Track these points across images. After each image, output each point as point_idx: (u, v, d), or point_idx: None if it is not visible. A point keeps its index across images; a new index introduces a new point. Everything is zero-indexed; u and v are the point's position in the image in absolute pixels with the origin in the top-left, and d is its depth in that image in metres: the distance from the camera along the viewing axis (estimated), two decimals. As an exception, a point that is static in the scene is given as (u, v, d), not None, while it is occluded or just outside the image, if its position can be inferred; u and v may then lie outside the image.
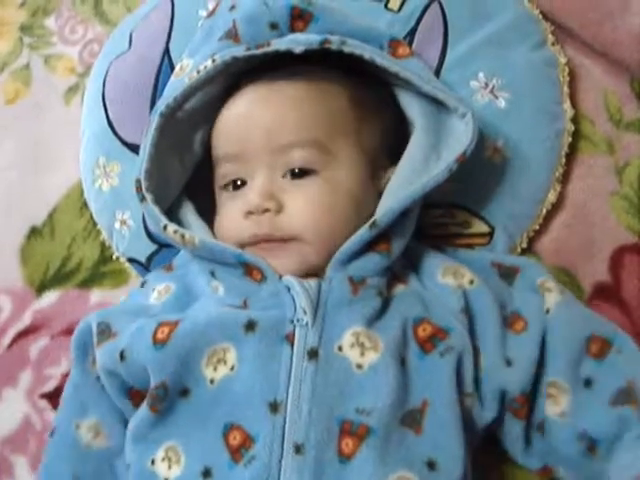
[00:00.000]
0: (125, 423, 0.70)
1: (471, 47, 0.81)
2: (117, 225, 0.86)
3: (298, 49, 0.69)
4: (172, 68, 0.85)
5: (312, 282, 0.66)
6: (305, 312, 0.64)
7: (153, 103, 0.85)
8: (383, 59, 0.70)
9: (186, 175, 0.78)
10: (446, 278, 0.70)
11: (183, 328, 0.65)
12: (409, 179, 0.69)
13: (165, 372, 0.64)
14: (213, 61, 0.71)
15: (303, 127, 0.69)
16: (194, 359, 0.64)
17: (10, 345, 0.91)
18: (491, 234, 0.79)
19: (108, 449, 0.70)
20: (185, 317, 0.66)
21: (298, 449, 0.59)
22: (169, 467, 0.63)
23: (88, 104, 0.92)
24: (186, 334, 0.64)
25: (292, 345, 0.63)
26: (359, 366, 0.62)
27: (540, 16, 0.85)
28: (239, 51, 0.71)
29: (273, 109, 0.70)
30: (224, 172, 0.73)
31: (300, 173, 0.68)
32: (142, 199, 0.70)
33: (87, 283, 0.92)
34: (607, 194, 0.81)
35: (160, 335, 0.65)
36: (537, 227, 0.80)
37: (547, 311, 0.68)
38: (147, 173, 0.71)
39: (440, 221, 0.79)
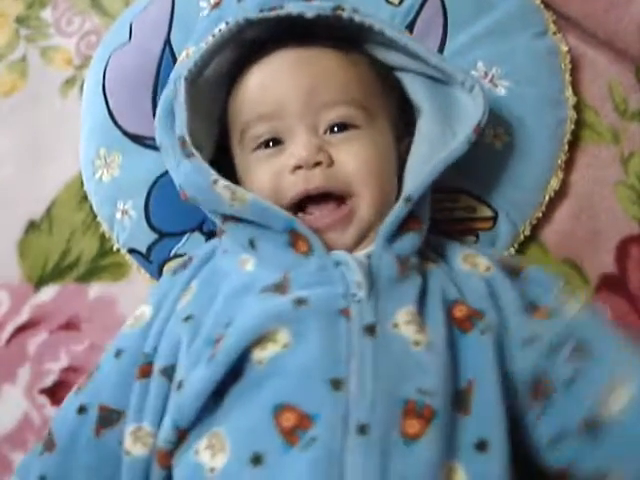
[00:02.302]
0: None
1: (471, 37, 0.82)
2: (118, 215, 0.85)
3: (310, 13, 0.69)
4: (173, 59, 0.85)
5: (362, 258, 0.64)
6: (360, 287, 0.61)
7: (155, 94, 0.85)
8: (392, 30, 0.71)
9: (211, 144, 0.75)
10: (465, 265, 0.70)
11: (232, 332, 0.61)
12: (429, 155, 0.70)
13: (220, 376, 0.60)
14: (226, 23, 0.71)
15: (346, 87, 0.69)
16: (244, 352, 0.59)
17: (8, 340, 0.90)
18: (494, 219, 0.78)
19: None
20: (230, 322, 0.62)
21: (362, 429, 0.55)
22: (213, 455, 0.58)
23: (88, 95, 0.91)
24: (235, 341, 0.60)
25: (348, 321, 0.60)
26: (417, 343, 0.59)
27: (542, 5, 0.85)
28: (252, 14, 0.71)
29: (312, 69, 0.69)
30: (257, 133, 0.70)
31: (341, 128, 0.68)
32: (189, 155, 0.67)
33: (86, 277, 0.91)
34: (613, 184, 0.81)
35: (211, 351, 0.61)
36: (540, 215, 0.80)
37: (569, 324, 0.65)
38: (190, 130, 0.68)
39: (445, 206, 0.79)
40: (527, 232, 0.80)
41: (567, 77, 0.81)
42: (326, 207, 0.67)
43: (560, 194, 0.80)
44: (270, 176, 0.68)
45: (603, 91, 0.84)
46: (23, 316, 0.91)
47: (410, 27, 0.83)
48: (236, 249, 0.69)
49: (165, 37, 0.87)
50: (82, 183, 0.91)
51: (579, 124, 0.81)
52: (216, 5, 0.82)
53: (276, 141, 0.69)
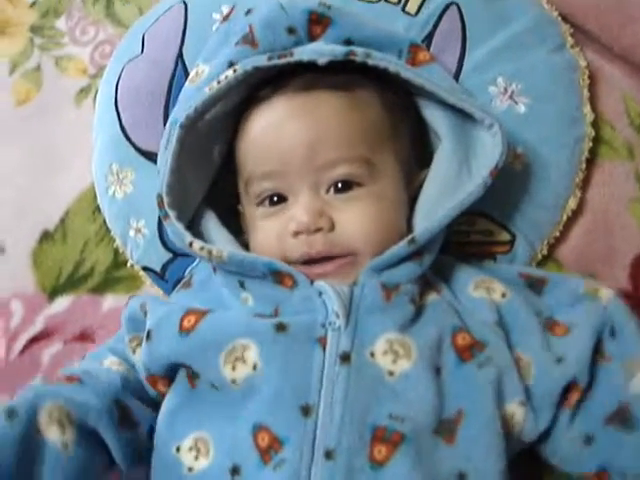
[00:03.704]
0: None
1: (489, 51, 0.80)
2: (132, 233, 0.86)
3: (322, 60, 0.67)
4: (186, 73, 0.84)
5: (344, 287, 0.65)
6: (338, 316, 0.63)
7: (167, 109, 0.85)
8: (407, 71, 0.69)
9: (206, 185, 0.77)
10: (478, 291, 0.69)
11: (210, 319, 0.64)
12: (443, 194, 0.69)
13: (189, 361, 0.64)
14: (234, 71, 0.70)
15: (347, 141, 0.68)
16: (213, 353, 0.63)
17: (22, 351, 0.91)
18: (512, 242, 0.78)
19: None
20: (214, 310, 0.66)
21: (329, 454, 0.57)
22: (196, 458, 0.62)
23: (100, 108, 0.91)
24: (211, 325, 0.64)
25: (324, 348, 0.62)
26: (391, 373, 0.61)
27: (559, 18, 0.84)
28: (261, 60, 0.69)
29: (314, 123, 0.68)
30: (259, 190, 0.71)
31: (344, 187, 0.68)
32: (165, 215, 0.69)
33: (100, 288, 0.91)
34: (627, 200, 0.80)
35: (186, 324, 0.64)
36: (557, 234, 0.79)
37: (605, 308, 0.67)
38: (169, 188, 0.70)
39: (461, 229, 0.78)
40: (544, 252, 0.79)
41: (585, 93, 0.81)
42: (330, 263, 0.67)
43: (576, 211, 0.79)
44: (274, 238, 0.69)
45: (619, 106, 0.83)
46: (37, 326, 0.91)
47: (428, 39, 0.82)
48: (234, 289, 0.70)
49: (178, 51, 0.86)
50: (96, 194, 0.91)
51: (595, 140, 0.81)
52: (225, 18, 0.81)
53: (280, 197, 0.70)
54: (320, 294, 0.65)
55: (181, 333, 0.64)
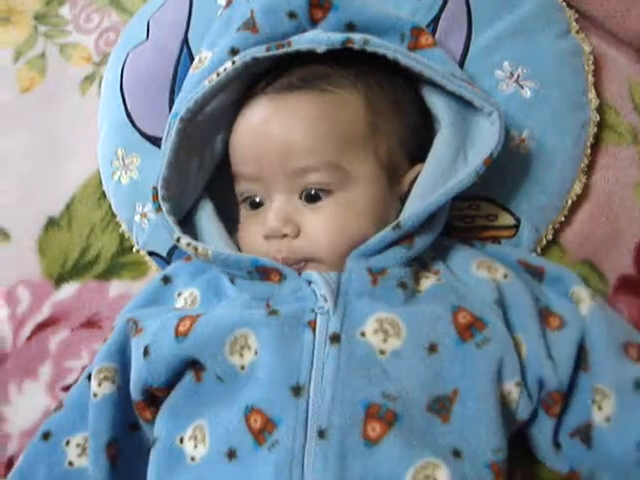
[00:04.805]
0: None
1: (496, 35, 0.80)
2: (137, 218, 0.86)
3: (320, 49, 0.68)
4: (191, 58, 0.84)
5: (332, 273, 0.67)
6: (326, 300, 0.64)
7: (172, 94, 0.85)
8: (406, 57, 0.69)
9: (206, 176, 0.77)
10: (480, 271, 0.70)
11: (204, 321, 0.65)
12: (436, 181, 0.69)
13: (193, 355, 0.64)
14: (233, 62, 0.70)
15: (316, 150, 0.68)
16: (217, 349, 0.63)
17: (29, 337, 0.91)
18: (517, 227, 0.78)
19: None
20: (207, 311, 0.67)
21: (322, 434, 0.58)
22: (195, 446, 0.63)
23: (105, 94, 0.92)
24: (206, 326, 0.64)
25: (314, 331, 0.63)
26: (382, 352, 0.62)
27: (564, 3, 0.83)
28: (259, 51, 0.70)
29: (285, 129, 0.68)
30: (241, 190, 0.73)
31: (316, 195, 0.68)
32: (157, 208, 0.71)
33: (106, 275, 0.92)
34: (632, 185, 0.80)
35: (182, 328, 0.65)
36: (562, 219, 0.79)
37: (583, 321, 0.67)
38: (165, 181, 0.71)
39: (466, 213, 0.78)
40: (549, 237, 0.79)
41: (590, 78, 0.81)
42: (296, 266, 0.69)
43: (580, 196, 0.79)
44: (252, 237, 0.71)
45: (623, 91, 0.83)
46: (44, 313, 0.92)
47: (434, 23, 0.81)
48: (227, 280, 0.72)
49: (183, 36, 0.86)
50: (101, 180, 0.91)
51: (600, 125, 0.81)
52: (228, 4, 0.81)
53: (259, 200, 0.71)
54: (309, 283, 0.66)
55: (177, 338, 0.64)
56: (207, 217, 0.75)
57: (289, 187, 0.69)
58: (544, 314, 0.68)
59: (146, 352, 0.66)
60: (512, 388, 0.63)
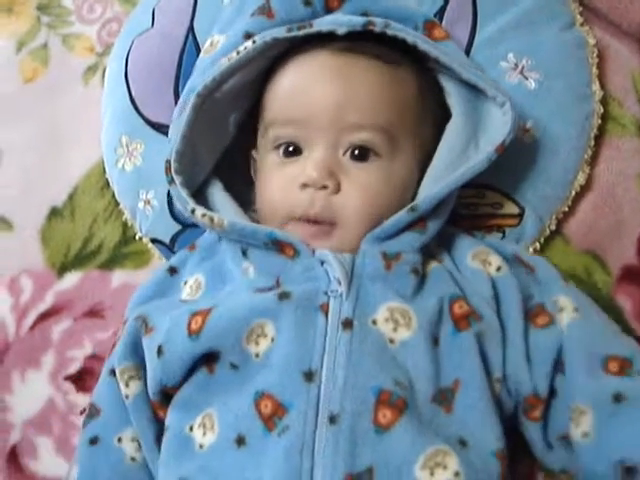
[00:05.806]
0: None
1: (501, 27, 0.81)
2: (140, 205, 0.86)
3: (341, 30, 0.68)
4: (197, 46, 0.85)
5: (346, 255, 0.66)
6: (340, 283, 0.64)
7: (177, 82, 0.85)
8: (424, 43, 0.70)
9: (215, 156, 0.77)
10: (475, 262, 0.70)
11: (217, 316, 0.64)
12: (448, 166, 0.70)
13: (208, 348, 0.64)
14: (254, 42, 0.70)
15: (377, 111, 0.68)
16: (234, 341, 0.63)
17: (32, 327, 0.91)
18: (521, 215, 0.78)
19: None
20: (217, 304, 0.65)
21: (333, 419, 0.58)
22: (204, 434, 0.63)
23: (109, 82, 0.91)
24: (220, 321, 0.63)
25: (327, 315, 0.62)
26: (391, 341, 0.62)
27: (568, -5, 0.84)
28: (281, 32, 0.70)
29: (350, 82, 0.68)
30: (278, 134, 0.71)
31: (361, 154, 0.68)
32: (171, 181, 0.70)
33: (109, 264, 0.91)
34: (635, 176, 0.81)
35: (194, 326, 0.64)
36: (566, 209, 0.80)
37: (561, 333, 0.66)
38: (178, 154, 0.71)
39: (471, 201, 0.79)
40: (553, 227, 0.79)
41: (594, 70, 0.81)
42: (315, 226, 0.68)
43: (584, 186, 0.80)
44: (280, 189, 0.69)
45: (627, 83, 0.83)
46: (47, 302, 0.92)
47: (440, 13, 0.82)
48: (237, 257, 0.71)
49: (188, 24, 0.86)
50: (104, 170, 0.91)
51: (604, 116, 0.81)
52: (240, -9, 0.81)
53: (295, 148, 0.70)
54: (322, 263, 0.66)
55: (191, 336, 0.63)
56: (219, 194, 0.75)
57: (335, 140, 0.68)
58: (534, 311, 0.67)
59: (160, 352, 0.65)
60: (495, 383, 0.63)
